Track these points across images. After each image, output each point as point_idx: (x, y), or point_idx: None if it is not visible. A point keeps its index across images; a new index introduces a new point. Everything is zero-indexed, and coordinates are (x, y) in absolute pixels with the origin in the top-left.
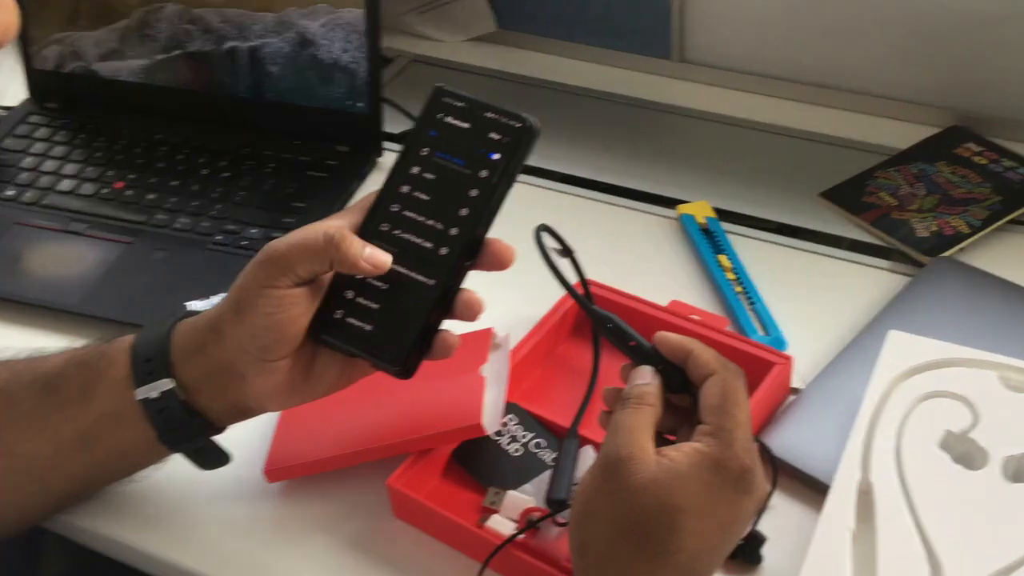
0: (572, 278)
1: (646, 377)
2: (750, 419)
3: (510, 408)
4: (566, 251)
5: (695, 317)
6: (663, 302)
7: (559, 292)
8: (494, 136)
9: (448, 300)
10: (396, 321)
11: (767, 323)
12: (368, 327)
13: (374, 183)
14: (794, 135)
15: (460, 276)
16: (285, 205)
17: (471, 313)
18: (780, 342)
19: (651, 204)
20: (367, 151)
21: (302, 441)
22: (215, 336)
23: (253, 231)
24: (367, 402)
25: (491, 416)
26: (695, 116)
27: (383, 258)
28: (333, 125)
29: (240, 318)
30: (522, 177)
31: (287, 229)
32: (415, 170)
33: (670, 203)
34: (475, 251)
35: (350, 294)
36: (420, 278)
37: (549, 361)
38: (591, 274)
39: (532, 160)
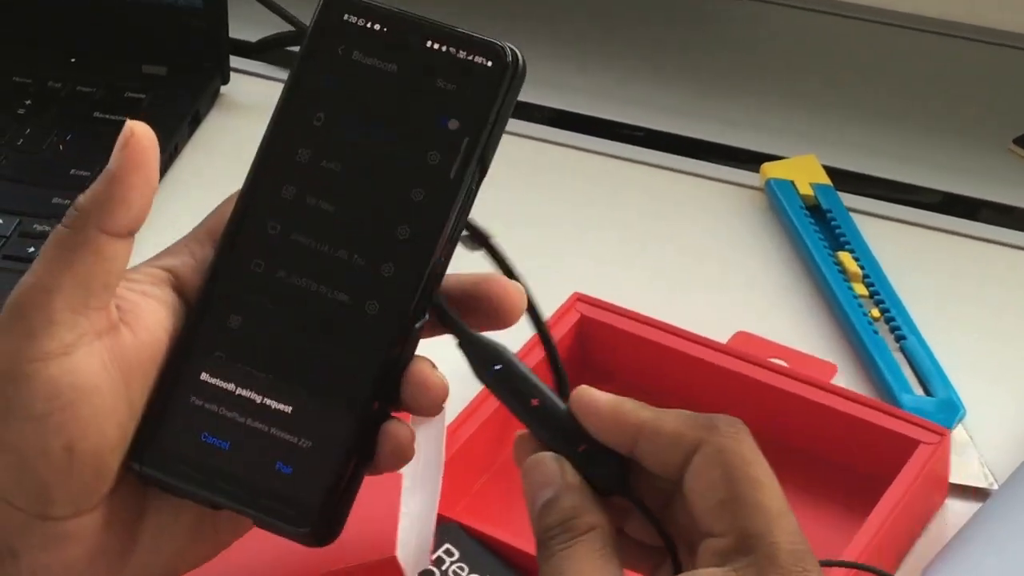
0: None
1: (551, 477)
2: (783, 495)
3: (445, 531)
4: (476, 237)
5: (778, 362)
6: (729, 336)
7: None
8: (446, 85)
9: (388, 388)
10: (297, 438)
11: (929, 374)
12: (244, 454)
13: (213, 130)
14: (969, 35)
15: (407, 345)
16: (49, 179)
17: (426, 401)
18: (954, 407)
19: (716, 162)
20: (201, 74)
21: None
22: None
23: None
24: None
25: (413, 545)
26: (792, 5)
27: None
28: (141, 29)
29: None
30: None
31: (44, 237)
32: (304, 155)
33: (750, 159)
34: (428, 296)
35: (201, 396)
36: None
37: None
38: (600, 288)
39: None
